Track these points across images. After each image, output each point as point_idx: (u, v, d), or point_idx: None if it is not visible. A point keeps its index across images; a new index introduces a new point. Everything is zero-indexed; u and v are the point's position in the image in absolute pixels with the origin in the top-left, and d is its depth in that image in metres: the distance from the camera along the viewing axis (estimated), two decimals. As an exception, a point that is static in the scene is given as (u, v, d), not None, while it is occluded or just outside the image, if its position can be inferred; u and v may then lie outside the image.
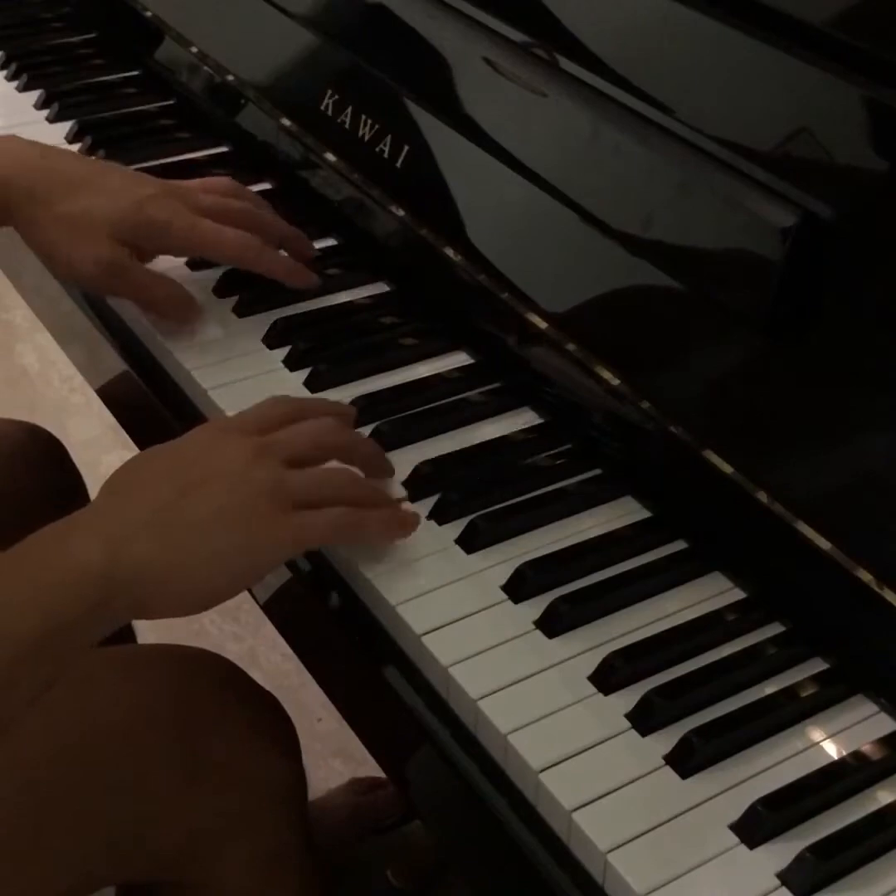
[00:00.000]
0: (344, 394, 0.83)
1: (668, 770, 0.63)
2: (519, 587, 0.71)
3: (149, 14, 1.17)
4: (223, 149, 1.09)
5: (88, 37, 1.25)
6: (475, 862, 0.70)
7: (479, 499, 0.76)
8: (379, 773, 1.24)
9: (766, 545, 0.71)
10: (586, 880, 0.61)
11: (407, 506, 0.76)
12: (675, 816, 0.61)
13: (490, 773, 0.65)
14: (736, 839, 0.61)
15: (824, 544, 0.67)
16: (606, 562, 0.73)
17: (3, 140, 0.91)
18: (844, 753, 0.64)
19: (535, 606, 0.70)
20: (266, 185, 1.03)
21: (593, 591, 0.71)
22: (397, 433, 0.80)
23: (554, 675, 0.67)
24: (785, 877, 0.59)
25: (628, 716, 0.65)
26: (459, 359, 0.87)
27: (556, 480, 0.78)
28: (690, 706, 0.65)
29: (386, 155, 0.91)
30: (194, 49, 1.11)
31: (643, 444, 0.76)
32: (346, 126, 0.94)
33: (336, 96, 0.96)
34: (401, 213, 0.91)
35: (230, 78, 1.07)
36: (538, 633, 0.69)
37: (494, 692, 0.66)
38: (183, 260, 0.94)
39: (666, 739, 0.64)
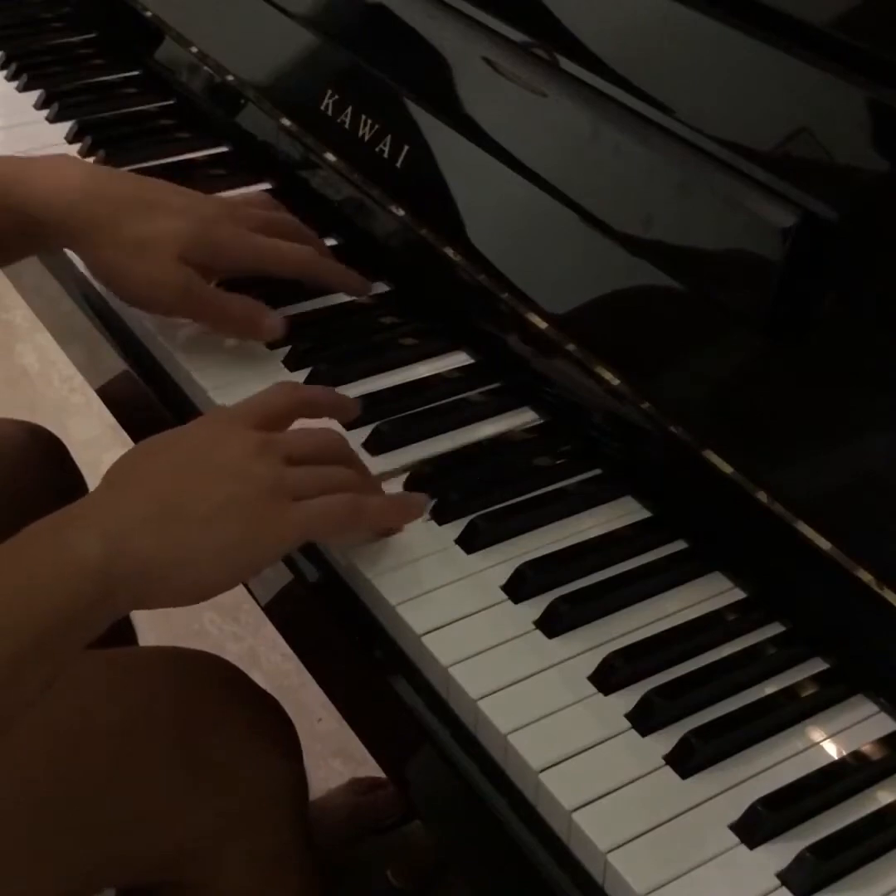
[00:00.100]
0: (344, 393, 0.83)
1: (668, 770, 0.63)
2: (519, 587, 0.71)
3: (149, 14, 1.17)
4: (223, 149, 1.09)
5: (88, 37, 1.25)
6: (475, 862, 0.70)
7: (479, 499, 0.76)
8: (379, 773, 1.24)
9: (766, 545, 0.70)
10: (586, 880, 0.61)
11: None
12: (675, 816, 0.61)
13: (490, 773, 0.65)
14: (736, 839, 0.61)
15: (824, 544, 0.67)
16: (606, 562, 0.73)
17: (57, 160, 0.89)
18: (844, 753, 0.64)
19: (535, 606, 0.70)
20: (266, 185, 1.03)
21: (593, 591, 0.71)
22: (397, 433, 0.80)
23: (554, 675, 0.67)
24: (785, 877, 0.59)
25: (628, 716, 0.65)
26: (459, 359, 0.87)
27: (556, 480, 0.78)
28: (690, 706, 0.65)
29: (386, 155, 0.91)
30: (194, 49, 1.11)
31: (643, 444, 0.76)
32: (346, 126, 0.94)
33: (336, 96, 0.96)
34: (401, 213, 0.91)
35: (230, 78, 1.07)
36: (538, 633, 0.69)
37: (494, 692, 0.66)
38: None
39: (666, 739, 0.64)
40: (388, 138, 0.91)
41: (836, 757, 0.64)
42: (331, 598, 0.75)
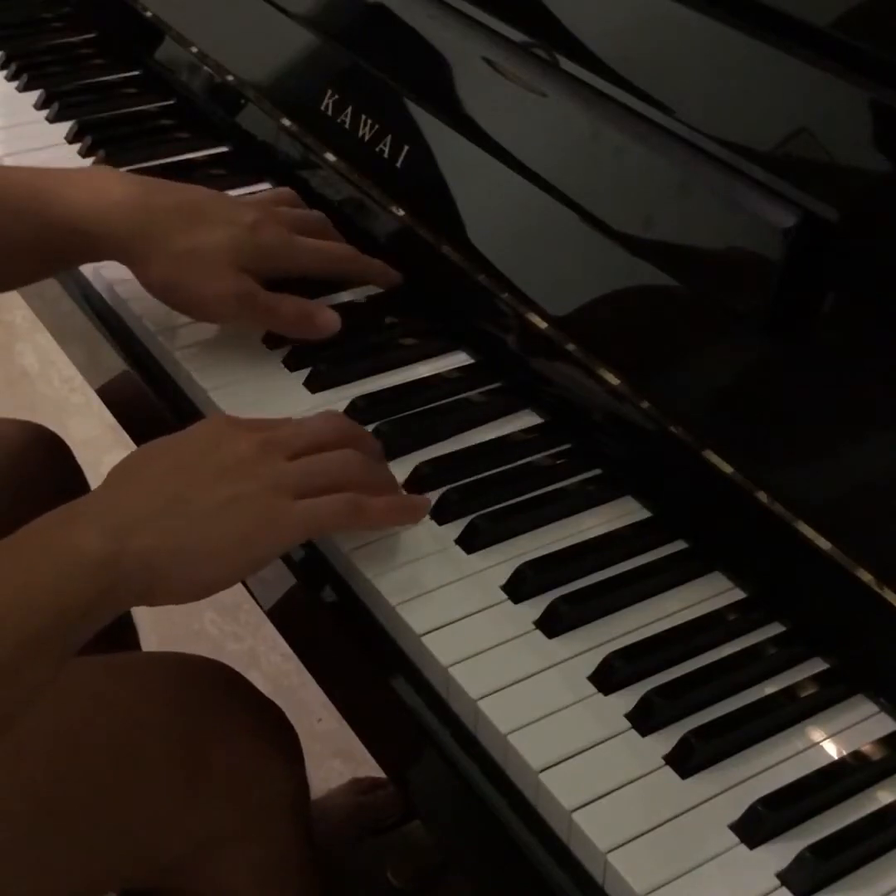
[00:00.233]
0: (344, 394, 0.83)
1: (668, 770, 0.63)
2: (519, 587, 0.71)
3: (149, 14, 1.17)
4: (223, 149, 1.09)
5: (88, 37, 1.26)
6: (475, 862, 0.70)
7: (479, 499, 0.76)
8: (379, 773, 1.24)
9: (766, 545, 0.71)
10: (586, 880, 0.61)
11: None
12: (675, 816, 0.61)
13: (490, 773, 0.65)
14: (736, 839, 0.61)
15: (824, 544, 0.67)
16: (606, 562, 0.73)
17: (101, 173, 0.89)
18: (844, 753, 0.64)
19: (535, 606, 0.70)
20: (266, 185, 1.03)
21: (593, 591, 0.71)
22: (397, 433, 0.80)
23: (554, 675, 0.67)
24: (785, 877, 0.59)
25: (628, 716, 0.65)
26: (459, 359, 0.87)
27: (556, 480, 0.78)
28: (690, 706, 0.65)
29: (386, 155, 0.91)
30: (194, 49, 1.11)
31: (643, 444, 0.76)
32: (346, 126, 0.94)
33: (336, 96, 0.96)
34: (401, 213, 0.91)
35: (230, 78, 1.07)
36: (538, 633, 0.69)
37: (494, 692, 0.66)
38: None
39: (666, 739, 0.64)
40: (388, 138, 0.91)
41: (835, 757, 0.64)
42: (331, 598, 0.75)
